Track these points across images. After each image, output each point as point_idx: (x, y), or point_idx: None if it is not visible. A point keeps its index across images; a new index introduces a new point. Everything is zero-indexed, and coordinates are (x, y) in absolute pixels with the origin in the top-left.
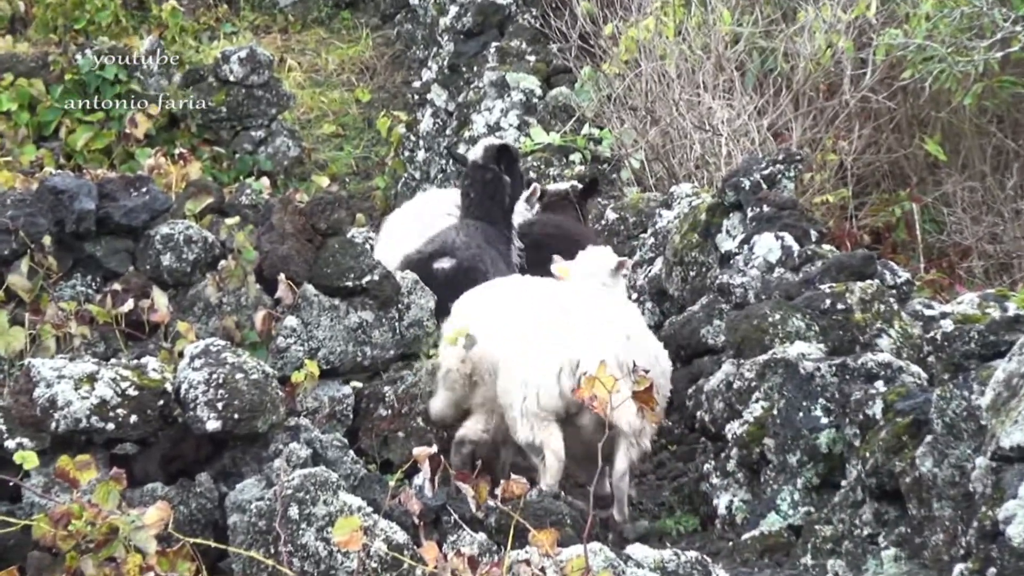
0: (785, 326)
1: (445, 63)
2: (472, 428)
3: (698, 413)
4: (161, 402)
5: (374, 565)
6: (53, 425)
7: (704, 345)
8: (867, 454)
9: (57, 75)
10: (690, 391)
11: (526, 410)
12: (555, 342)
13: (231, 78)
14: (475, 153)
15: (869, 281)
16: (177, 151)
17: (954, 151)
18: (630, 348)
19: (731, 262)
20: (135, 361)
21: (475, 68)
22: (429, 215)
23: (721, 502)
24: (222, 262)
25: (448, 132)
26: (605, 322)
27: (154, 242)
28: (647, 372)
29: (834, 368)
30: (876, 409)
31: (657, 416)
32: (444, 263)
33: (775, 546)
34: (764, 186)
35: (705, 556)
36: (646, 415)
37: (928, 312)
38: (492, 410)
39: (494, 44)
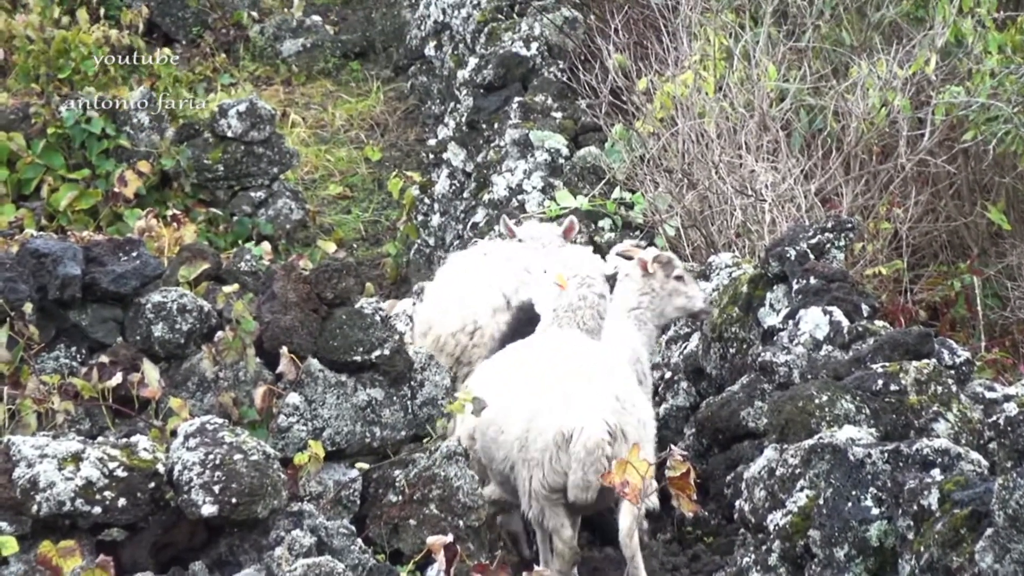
0: (833, 408)
1: (463, 119)
2: (492, 488)
3: (737, 502)
4: (152, 484)
5: None
6: (34, 508)
7: (744, 428)
8: (922, 548)
9: (39, 128)
10: (729, 478)
11: (533, 492)
12: (547, 417)
13: (229, 134)
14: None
15: (925, 360)
16: (170, 212)
17: (1019, 220)
18: (620, 412)
19: (775, 339)
20: (124, 440)
21: (496, 125)
22: (495, 260)
23: None
24: (219, 333)
25: (466, 195)
26: (595, 387)
27: (145, 311)
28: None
29: (886, 455)
30: (932, 499)
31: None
32: None
33: None
34: (811, 256)
35: None
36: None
37: (990, 395)
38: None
39: (517, 99)
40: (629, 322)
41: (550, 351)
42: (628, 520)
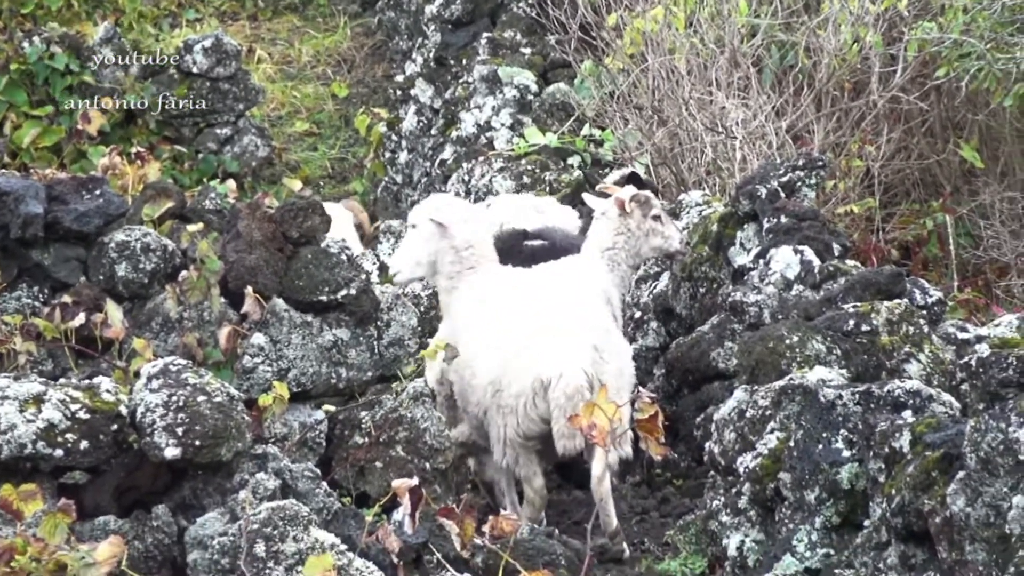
0: (804, 349)
1: (431, 55)
2: (460, 431)
3: (707, 444)
4: (115, 427)
5: None
6: None
7: (714, 369)
8: (893, 491)
9: (1, 65)
10: (698, 420)
11: (504, 437)
12: (524, 362)
13: (194, 70)
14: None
15: (897, 300)
16: (134, 150)
17: (992, 158)
18: (598, 361)
19: (745, 278)
20: (86, 381)
21: (464, 61)
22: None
23: (731, 543)
24: (183, 273)
25: (433, 131)
26: (573, 334)
27: (108, 250)
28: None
29: (857, 396)
30: (903, 442)
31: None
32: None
33: None
34: (782, 194)
35: None
36: (622, 422)
37: (962, 335)
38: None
39: (485, 35)
40: (602, 262)
41: (526, 294)
42: (600, 466)
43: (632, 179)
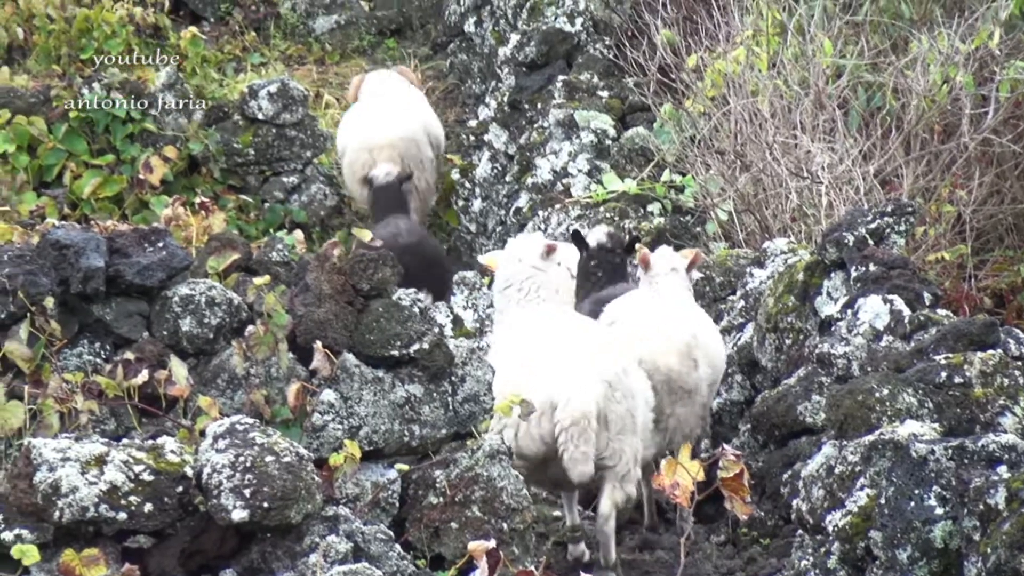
0: (894, 402)
1: (505, 99)
2: None
3: (794, 502)
4: (180, 488)
5: None
6: (56, 514)
7: (801, 424)
8: (988, 550)
9: (60, 112)
10: (785, 476)
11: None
12: (537, 381)
13: (260, 116)
14: (598, 238)
15: (991, 351)
16: (198, 200)
17: None
18: (610, 398)
19: (832, 329)
20: (150, 441)
21: (539, 105)
22: None
23: None
24: (250, 328)
25: (508, 178)
26: (586, 364)
27: (172, 304)
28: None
29: (950, 451)
30: (999, 498)
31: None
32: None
33: None
34: (870, 242)
35: None
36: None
37: None
38: None
39: (561, 77)
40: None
41: (553, 328)
42: (608, 504)
43: (574, 237)
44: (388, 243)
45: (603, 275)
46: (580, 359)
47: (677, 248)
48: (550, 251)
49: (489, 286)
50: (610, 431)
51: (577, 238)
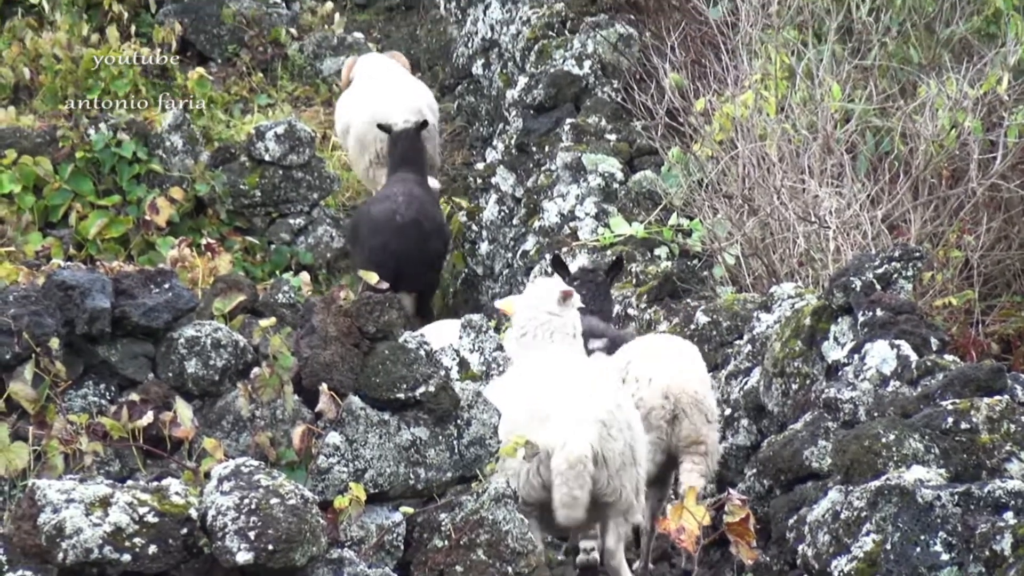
0: (900, 448)
1: (512, 142)
2: None
3: (800, 547)
4: (184, 530)
5: None
6: (60, 556)
7: (807, 469)
8: None
9: (67, 152)
10: (791, 522)
11: None
12: (532, 430)
13: (267, 157)
14: (580, 262)
15: (998, 397)
16: (204, 241)
17: None
18: (605, 437)
19: (839, 374)
20: (155, 483)
21: (547, 148)
22: None
23: None
24: (255, 370)
25: (515, 221)
26: (579, 405)
27: (177, 346)
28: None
29: (957, 497)
30: (1005, 544)
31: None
32: (597, 344)
33: None
34: (878, 287)
35: None
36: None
37: None
38: None
39: (569, 120)
40: None
41: (539, 370)
42: (613, 539)
43: (555, 262)
44: (385, 223)
45: (587, 294)
46: (574, 401)
47: (684, 292)
48: (567, 297)
49: (496, 329)
50: (609, 469)
51: (558, 263)
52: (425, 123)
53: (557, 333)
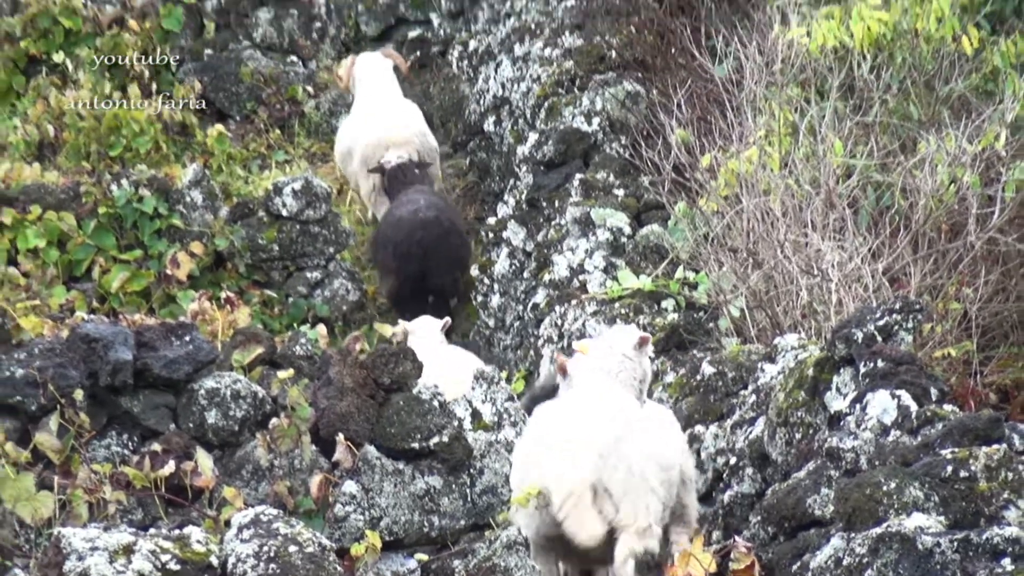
0: (901, 496)
1: (523, 197)
2: None
3: None
4: None
5: None
6: None
7: (810, 516)
8: None
9: (90, 208)
10: (795, 568)
11: (532, 537)
12: (527, 472)
13: (284, 212)
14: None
15: (996, 446)
16: (223, 295)
17: None
18: (603, 468)
19: (841, 423)
20: (177, 531)
21: (556, 203)
22: None
23: None
24: (274, 420)
25: (526, 274)
26: (579, 441)
27: (198, 397)
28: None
29: (956, 543)
30: None
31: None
32: None
33: None
34: (879, 338)
35: None
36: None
37: None
38: None
39: (578, 176)
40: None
41: (555, 410)
42: (624, 550)
43: None
44: (409, 219)
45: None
46: (573, 434)
47: (690, 344)
48: (643, 343)
49: (506, 380)
50: (614, 497)
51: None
52: (428, 164)
53: (623, 374)
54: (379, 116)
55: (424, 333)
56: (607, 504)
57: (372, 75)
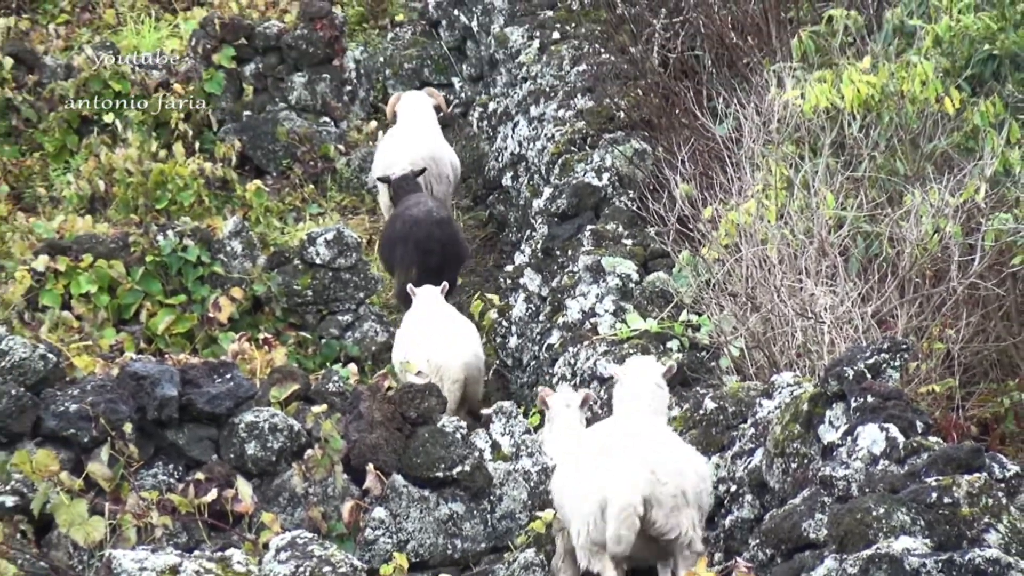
0: (890, 520)
1: (539, 246)
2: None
3: None
4: None
5: None
6: None
7: (806, 539)
8: None
9: (138, 257)
10: None
11: (583, 543)
12: (590, 487)
13: (317, 261)
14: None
15: (977, 474)
16: (261, 336)
17: None
18: (655, 483)
19: (834, 454)
20: (219, 553)
21: (569, 252)
22: None
23: None
24: (308, 451)
25: (541, 318)
26: (631, 459)
27: (238, 430)
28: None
29: (940, 564)
30: None
31: None
32: None
33: None
34: (868, 376)
35: None
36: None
37: None
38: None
39: (589, 227)
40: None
41: (606, 433)
42: (684, 570)
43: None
44: (425, 217)
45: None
46: (627, 452)
47: (694, 381)
48: (669, 372)
49: (524, 415)
50: (664, 509)
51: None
52: (422, 170)
53: (656, 402)
54: (404, 140)
55: (426, 296)
56: (659, 515)
57: (412, 109)
